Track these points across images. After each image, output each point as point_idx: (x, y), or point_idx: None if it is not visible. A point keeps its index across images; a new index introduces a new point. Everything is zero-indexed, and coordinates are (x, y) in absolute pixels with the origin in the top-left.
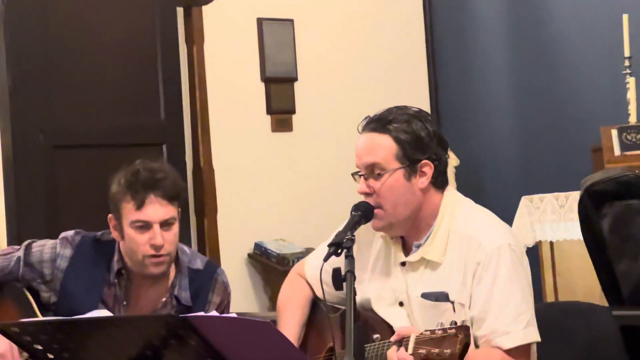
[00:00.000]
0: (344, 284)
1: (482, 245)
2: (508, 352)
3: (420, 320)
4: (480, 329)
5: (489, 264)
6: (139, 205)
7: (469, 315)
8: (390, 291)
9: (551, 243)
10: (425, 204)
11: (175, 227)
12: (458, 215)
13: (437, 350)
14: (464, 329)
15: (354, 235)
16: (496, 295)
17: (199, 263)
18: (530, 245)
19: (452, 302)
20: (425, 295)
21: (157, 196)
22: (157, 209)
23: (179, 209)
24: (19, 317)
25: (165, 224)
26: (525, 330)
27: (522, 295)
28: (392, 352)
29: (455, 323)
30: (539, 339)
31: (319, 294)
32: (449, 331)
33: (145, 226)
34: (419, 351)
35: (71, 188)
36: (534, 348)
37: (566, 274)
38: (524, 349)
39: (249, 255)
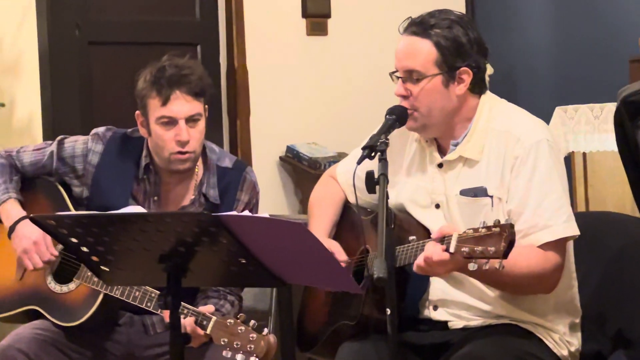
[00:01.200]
0: (377, 187)
1: (520, 140)
2: (545, 246)
3: (459, 219)
4: (517, 223)
5: (528, 158)
6: (164, 101)
7: (506, 209)
8: (425, 193)
9: (584, 154)
10: (461, 108)
11: (201, 124)
12: (496, 113)
13: (480, 248)
14: (509, 227)
15: (387, 139)
16: (535, 189)
17: (227, 161)
18: (563, 156)
19: (491, 197)
20: (463, 192)
21: (183, 92)
22: (183, 105)
23: (206, 106)
24: (53, 210)
25: (191, 120)
26: (565, 224)
27: (562, 189)
28: (426, 249)
29: (499, 221)
30: (578, 232)
31: (351, 197)
32: (493, 229)
33: (170, 122)
34: (462, 249)
35: (106, 84)
36: (570, 245)
37: (598, 186)
38: (561, 244)
39: (280, 158)
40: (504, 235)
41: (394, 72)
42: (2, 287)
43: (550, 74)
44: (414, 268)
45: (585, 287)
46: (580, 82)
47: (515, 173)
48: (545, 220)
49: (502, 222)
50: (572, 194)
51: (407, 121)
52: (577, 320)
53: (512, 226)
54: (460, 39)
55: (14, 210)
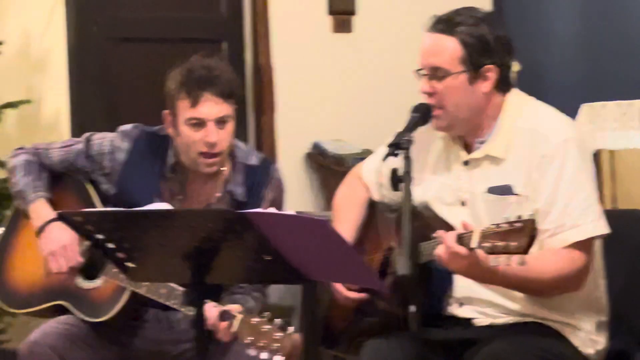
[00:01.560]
0: (401, 185)
1: (547, 139)
2: (573, 245)
3: (485, 217)
4: (545, 222)
5: (555, 156)
6: (194, 103)
7: (533, 208)
8: (451, 191)
9: (611, 152)
10: (487, 106)
11: (230, 125)
12: (522, 111)
13: (502, 244)
14: (531, 222)
15: (412, 136)
16: (563, 188)
17: (254, 159)
18: (591, 154)
19: (518, 195)
20: (490, 190)
21: (212, 94)
22: (212, 107)
23: (235, 107)
24: (80, 207)
25: (220, 122)
26: (594, 223)
27: (591, 188)
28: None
29: (521, 216)
30: (607, 230)
31: (376, 194)
32: (515, 224)
33: (199, 124)
34: (484, 244)
35: (133, 81)
36: (598, 243)
37: (625, 183)
38: (589, 243)
39: (306, 154)
40: (525, 230)
41: (418, 70)
42: (29, 282)
43: (577, 70)
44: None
45: (612, 285)
46: (608, 78)
47: (543, 172)
48: (573, 220)
49: (524, 217)
50: (599, 192)
51: (434, 120)
52: (604, 319)
53: (534, 221)
54: (486, 37)
55: (44, 210)
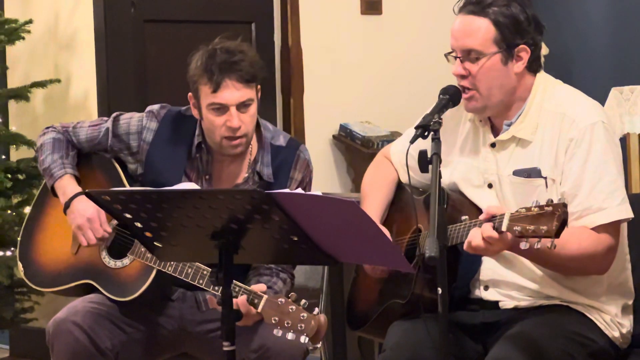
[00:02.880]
0: (430, 167)
1: (575, 122)
2: (598, 228)
3: (511, 199)
4: (571, 204)
5: (582, 140)
6: (215, 89)
7: (559, 191)
8: (478, 173)
9: (639, 136)
10: (519, 87)
11: (253, 108)
12: (550, 94)
13: (532, 227)
14: (562, 206)
15: (441, 119)
16: (589, 171)
17: (281, 140)
18: (619, 138)
19: (545, 178)
20: (517, 172)
21: (233, 79)
22: (233, 92)
23: (259, 87)
24: (108, 186)
25: (242, 106)
26: (620, 207)
27: (617, 172)
28: (476, 229)
29: (552, 200)
30: (632, 215)
31: (404, 176)
32: (545, 208)
33: (221, 109)
34: (514, 228)
35: (160, 61)
36: (624, 227)
37: None
38: (615, 227)
39: (333, 136)
40: (556, 215)
41: (449, 53)
42: (57, 261)
43: (606, 54)
44: (464, 247)
45: (639, 269)
46: (637, 62)
47: (570, 155)
48: (599, 203)
49: (555, 201)
50: (627, 176)
51: (467, 103)
52: (630, 302)
53: (564, 205)
54: (518, 16)
55: (70, 186)
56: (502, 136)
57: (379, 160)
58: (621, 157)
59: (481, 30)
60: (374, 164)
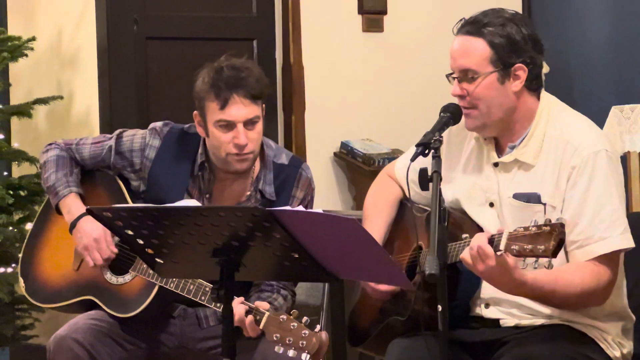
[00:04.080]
0: (430, 184)
1: (578, 150)
2: (599, 259)
3: (510, 222)
4: (572, 233)
5: (585, 168)
6: (223, 105)
7: (558, 218)
8: (481, 191)
9: None
10: (519, 107)
11: (259, 126)
12: (554, 119)
13: (530, 247)
14: (559, 226)
15: (441, 136)
16: (591, 200)
17: (284, 158)
18: (619, 156)
19: (544, 204)
20: (516, 196)
21: (240, 96)
22: (241, 109)
23: (264, 106)
24: (111, 203)
25: (249, 123)
26: (621, 236)
27: (619, 201)
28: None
29: (550, 220)
30: (633, 244)
31: (406, 193)
32: (543, 228)
33: (228, 125)
34: (512, 247)
35: (162, 79)
36: (622, 256)
37: None
38: (615, 255)
39: (335, 153)
40: (553, 234)
41: (450, 74)
42: (59, 277)
43: (606, 72)
44: (461, 259)
45: (638, 289)
46: (638, 81)
47: (572, 183)
48: (601, 232)
49: (553, 221)
50: (628, 195)
51: (467, 121)
52: (630, 325)
53: (562, 225)
54: (513, 36)
55: (75, 205)
56: (505, 158)
57: (381, 178)
58: (623, 186)
59: (477, 50)
60: (376, 182)
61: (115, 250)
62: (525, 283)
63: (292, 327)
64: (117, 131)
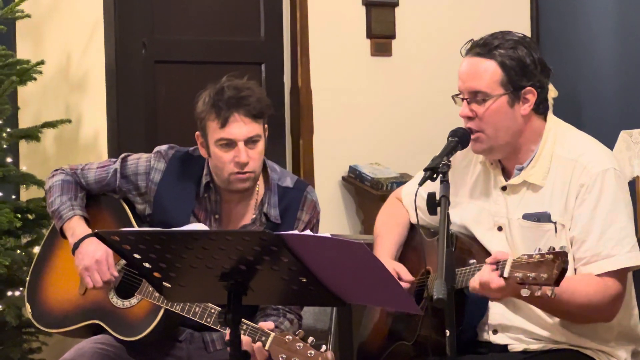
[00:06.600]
0: (438, 209)
1: (586, 168)
2: (606, 275)
3: (520, 244)
4: (579, 250)
5: (594, 186)
6: (223, 124)
7: (569, 236)
8: (489, 215)
9: None
10: (526, 130)
11: (261, 145)
12: (561, 139)
13: (533, 275)
14: (562, 255)
15: (449, 161)
16: (599, 217)
17: (288, 181)
18: (628, 181)
19: (554, 223)
20: (526, 216)
21: (241, 114)
22: (241, 127)
23: (265, 125)
24: (117, 226)
25: (250, 142)
26: (629, 254)
27: (628, 218)
28: (481, 273)
29: (554, 248)
30: None
31: (414, 218)
32: (546, 256)
33: (229, 144)
34: (515, 274)
35: (171, 102)
36: (630, 275)
37: None
38: (623, 274)
39: (343, 178)
40: (556, 263)
41: (457, 95)
42: (65, 301)
43: (615, 97)
44: (470, 288)
45: None
46: None
47: (580, 200)
48: (609, 250)
49: (557, 249)
50: (637, 219)
51: (474, 144)
52: None
53: (565, 254)
54: (524, 59)
55: (79, 227)
56: (513, 180)
57: (391, 201)
58: (631, 204)
59: (488, 72)
60: (386, 205)
61: (116, 273)
62: None
63: (297, 347)
64: (122, 155)
